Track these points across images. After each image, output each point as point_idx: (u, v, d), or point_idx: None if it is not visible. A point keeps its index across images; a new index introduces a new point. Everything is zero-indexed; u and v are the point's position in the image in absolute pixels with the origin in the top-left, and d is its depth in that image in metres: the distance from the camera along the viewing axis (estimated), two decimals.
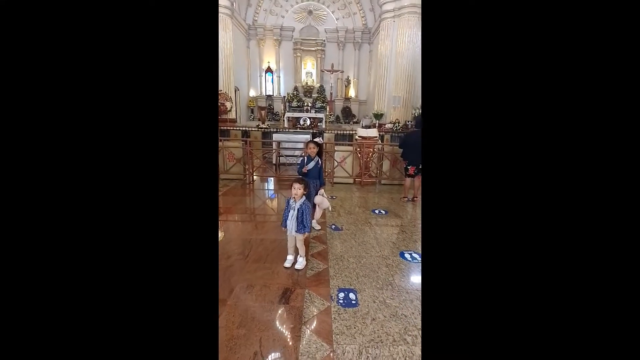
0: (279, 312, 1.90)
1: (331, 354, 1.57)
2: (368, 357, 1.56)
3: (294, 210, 2.34)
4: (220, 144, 5.76)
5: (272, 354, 1.56)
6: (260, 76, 13.41)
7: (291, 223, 2.36)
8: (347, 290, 2.16)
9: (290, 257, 2.48)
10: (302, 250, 2.46)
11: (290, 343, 1.64)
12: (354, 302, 2.03)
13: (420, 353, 1.58)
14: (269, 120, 11.13)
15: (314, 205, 3.12)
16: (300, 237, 2.40)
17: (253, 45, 13.12)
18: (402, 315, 1.90)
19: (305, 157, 3.25)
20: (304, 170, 3.14)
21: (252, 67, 13.21)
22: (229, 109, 9.22)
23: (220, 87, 9.25)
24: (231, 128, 8.22)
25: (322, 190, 3.22)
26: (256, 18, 12.64)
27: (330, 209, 3.29)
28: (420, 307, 1.98)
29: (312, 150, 3.18)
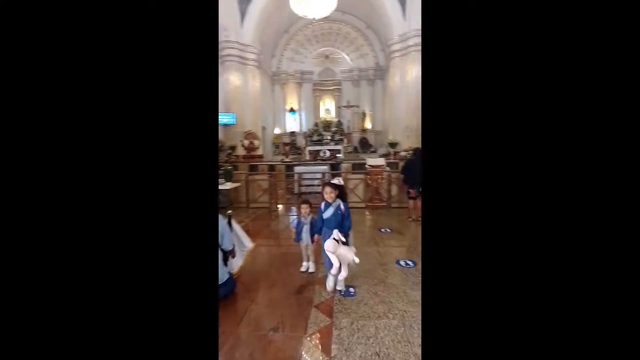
0: (295, 299, 2.57)
1: (330, 323, 2.20)
2: (357, 325, 2.17)
3: (307, 224, 3.06)
4: (249, 177, 6.73)
5: (289, 322, 2.22)
6: (284, 115, 14.84)
7: (306, 235, 3.07)
8: (348, 286, 2.77)
9: (305, 264, 3.15)
10: (312, 257, 3.15)
11: (302, 317, 2.29)
12: (352, 293, 2.65)
13: (397, 324, 2.16)
14: (292, 155, 12.19)
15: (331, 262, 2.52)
16: (311, 246, 3.09)
17: (277, 89, 14.72)
18: (388, 302, 2.49)
19: (323, 203, 2.68)
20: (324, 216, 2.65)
21: (277, 108, 14.73)
22: (256, 146, 10.39)
23: (250, 127, 10.54)
24: (259, 163, 9.26)
25: (350, 243, 2.59)
26: (279, 66, 14.32)
27: (356, 261, 2.46)
28: (403, 295, 2.55)
29: (329, 195, 2.58)
